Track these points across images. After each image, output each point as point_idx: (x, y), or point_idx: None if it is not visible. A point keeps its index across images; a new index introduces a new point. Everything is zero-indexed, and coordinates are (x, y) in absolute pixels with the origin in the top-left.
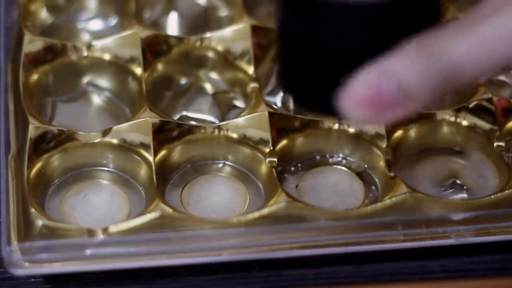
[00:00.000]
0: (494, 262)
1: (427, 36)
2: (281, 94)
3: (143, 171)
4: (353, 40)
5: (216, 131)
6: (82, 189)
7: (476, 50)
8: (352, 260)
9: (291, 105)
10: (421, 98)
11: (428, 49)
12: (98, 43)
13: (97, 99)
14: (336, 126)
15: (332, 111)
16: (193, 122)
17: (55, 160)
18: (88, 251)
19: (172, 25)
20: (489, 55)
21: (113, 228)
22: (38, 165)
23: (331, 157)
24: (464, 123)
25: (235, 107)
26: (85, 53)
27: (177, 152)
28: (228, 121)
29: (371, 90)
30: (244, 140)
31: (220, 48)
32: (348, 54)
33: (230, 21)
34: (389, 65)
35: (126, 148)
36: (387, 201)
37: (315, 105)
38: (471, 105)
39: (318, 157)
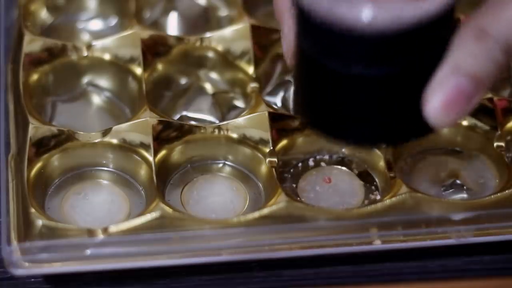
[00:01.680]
0: (494, 262)
1: (475, 18)
2: (281, 95)
3: (143, 171)
4: (371, 68)
5: (216, 131)
6: (82, 189)
7: None
8: (352, 260)
9: (291, 105)
10: (490, 80)
11: (482, 31)
12: (98, 43)
13: (97, 99)
14: None
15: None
16: (193, 122)
17: (55, 160)
18: (88, 251)
19: (172, 25)
20: None
21: (113, 228)
22: (38, 165)
23: (331, 157)
24: (464, 123)
25: (235, 107)
26: (85, 53)
27: (177, 152)
28: (228, 121)
29: (452, 91)
30: (244, 140)
31: (220, 48)
32: (367, 81)
33: (230, 21)
34: (456, 60)
35: (126, 148)
36: (387, 201)
37: (331, 131)
38: None
39: (318, 157)
